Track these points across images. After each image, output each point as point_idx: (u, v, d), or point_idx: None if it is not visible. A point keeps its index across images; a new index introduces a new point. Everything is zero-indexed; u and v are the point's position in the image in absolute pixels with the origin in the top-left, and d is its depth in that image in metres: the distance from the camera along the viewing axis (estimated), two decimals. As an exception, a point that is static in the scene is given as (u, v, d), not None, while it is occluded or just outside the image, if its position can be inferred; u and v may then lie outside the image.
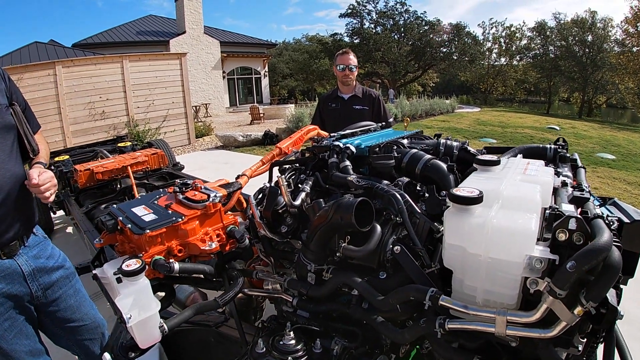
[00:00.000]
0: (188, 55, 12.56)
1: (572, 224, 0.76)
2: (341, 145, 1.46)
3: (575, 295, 0.74)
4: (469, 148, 1.58)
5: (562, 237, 0.77)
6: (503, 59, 34.10)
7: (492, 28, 33.69)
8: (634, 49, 24.58)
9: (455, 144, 1.60)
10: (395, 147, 1.43)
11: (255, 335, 1.25)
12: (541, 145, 1.56)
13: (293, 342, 1.06)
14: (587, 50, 27.76)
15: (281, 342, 1.06)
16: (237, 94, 26.32)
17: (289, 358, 1.00)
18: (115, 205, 1.40)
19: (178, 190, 1.42)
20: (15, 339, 1.46)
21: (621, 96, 28.11)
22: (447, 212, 0.88)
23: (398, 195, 1.15)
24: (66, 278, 1.63)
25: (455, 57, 29.32)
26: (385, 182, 1.27)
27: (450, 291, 0.92)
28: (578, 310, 0.73)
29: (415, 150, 1.41)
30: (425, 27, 28.93)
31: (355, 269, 1.17)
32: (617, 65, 24.95)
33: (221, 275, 1.35)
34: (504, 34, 33.26)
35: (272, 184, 1.46)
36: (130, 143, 5.53)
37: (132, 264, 1.05)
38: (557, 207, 0.89)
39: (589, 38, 27.82)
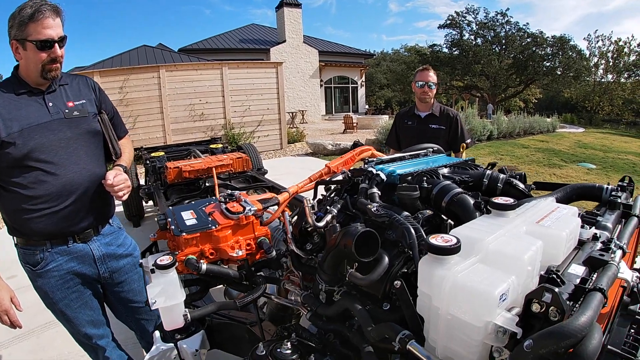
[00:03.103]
0: (287, 64, 13.21)
1: (547, 297, 0.70)
2: (373, 171, 1.49)
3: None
4: (515, 182, 1.50)
5: (536, 308, 0.72)
6: (610, 76, 30.33)
7: (598, 42, 30.15)
8: None
9: (501, 176, 1.53)
10: (426, 178, 1.43)
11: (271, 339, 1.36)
12: (597, 185, 1.43)
13: (289, 352, 1.13)
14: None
15: (278, 350, 1.14)
16: (334, 102, 27.09)
17: (279, 367, 1.09)
18: (171, 208, 1.62)
19: (223, 200, 1.59)
20: (79, 309, 1.74)
21: None
22: (422, 259, 0.87)
23: (412, 229, 1.16)
24: (133, 265, 1.88)
25: (559, 72, 27.03)
26: (405, 213, 1.28)
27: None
28: None
29: (447, 182, 1.39)
30: (528, 40, 26.97)
31: (365, 296, 1.20)
32: None
33: (248, 280, 1.49)
34: (611, 48, 29.56)
35: (313, 202, 1.56)
36: (221, 145, 6.04)
37: (165, 259, 1.23)
38: (555, 268, 0.83)
39: None
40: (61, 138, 1.60)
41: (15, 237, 1.68)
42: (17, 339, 2.97)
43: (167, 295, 1.22)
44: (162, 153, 5.42)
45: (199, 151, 5.50)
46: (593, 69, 29.94)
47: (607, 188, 1.41)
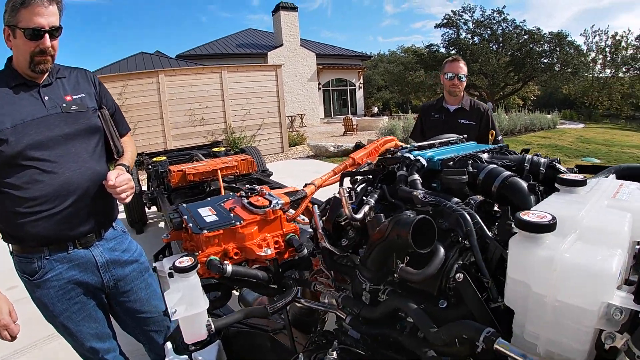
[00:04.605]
0: (285, 67, 13.09)
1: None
2: (411, 157, 1.35)
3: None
4: (558, 166, 1.36)
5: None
6: (608, 71, 29.98)
7: (595, 37, 29.91)
8: None
9: (543, 160, 1.39)
10: (470, 162, 1.29)
11: (304, 348, 1.21)
12: None
13: (335, 364, 0.99)
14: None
15: (323, 361, 1.00)
16: (332, 105, 27.00)
17: (327, 381, 0.94)
18: (184, 205, 1.47)
19: (244, 194, 1.44)
20: (82, 321, 1.59)
21: None
22: (512, 240, 0.75)
23: (467, 216, 1.02)
24: (139, 272, 1.73)
25: (557, 69, 26.81)
26: (455, 199, 1.14)
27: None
28: None
29: (494, 165, 1.25)
30: (525, 37, 26.80)
31: (416, 294, 1.06)
32: None
33: (276, 283, 1.34)
34: (608, 43, 29.28)
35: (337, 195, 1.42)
36: (224, 149, 5.96)
37: (185, 261, 1.08)
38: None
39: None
40: (58, 134, 1.47)
41: (10, 245, 1.54)
42: (19, 352, 2.85)
43: (188, 303, 1.07)
44: (164, 158, 5.31)
45: (202, 155, 5.40)
46: (591, 65, 29.66)
47: None
